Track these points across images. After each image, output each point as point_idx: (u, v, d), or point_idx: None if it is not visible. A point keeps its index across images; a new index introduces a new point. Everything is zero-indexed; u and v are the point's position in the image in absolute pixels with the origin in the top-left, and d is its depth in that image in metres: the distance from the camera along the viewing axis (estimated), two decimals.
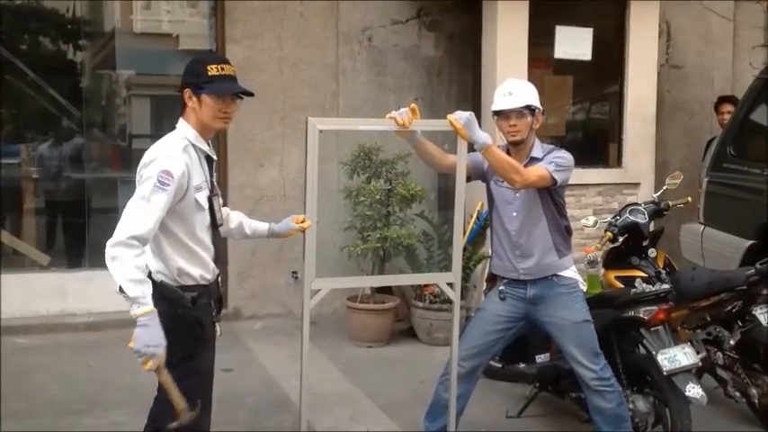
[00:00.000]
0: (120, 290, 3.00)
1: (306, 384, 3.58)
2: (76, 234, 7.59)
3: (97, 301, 7.09)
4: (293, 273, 7.41)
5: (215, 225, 3.39)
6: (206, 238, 3.34)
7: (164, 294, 3.21)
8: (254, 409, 5.37)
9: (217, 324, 3.43)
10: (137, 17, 8.22)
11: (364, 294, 6.97)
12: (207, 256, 3.35)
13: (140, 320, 2.98)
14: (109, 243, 3.02)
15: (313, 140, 3.45)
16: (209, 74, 3.24)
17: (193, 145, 3.27)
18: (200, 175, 3.28)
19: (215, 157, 3.41)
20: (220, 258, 3.48)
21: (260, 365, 6.29)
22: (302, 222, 3.60)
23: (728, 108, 7.63)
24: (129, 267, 2.98)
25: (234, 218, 3.72)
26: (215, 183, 3.43)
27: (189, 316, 3.25)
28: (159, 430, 3.31)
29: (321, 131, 3.46)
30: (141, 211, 3.06)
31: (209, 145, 3.36)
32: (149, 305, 2.99)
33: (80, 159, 7.84)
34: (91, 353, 6.45)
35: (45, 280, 7.39)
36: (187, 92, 3.25)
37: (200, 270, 3.31)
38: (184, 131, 3.28)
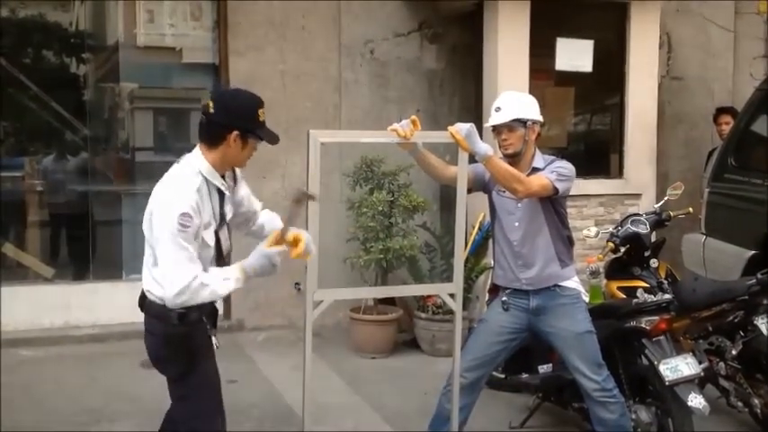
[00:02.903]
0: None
1: (309, 395, 3.59)
2: (80, 246, 7.59)
3: (101, 313, 7.12)
4: (296, 284, 7.42)
5: (220, 256, 3.40)
6: (208, 267, 3.33)
7: (153, 313, 3.28)
8: (258, 420, 5.38)
9: (213, 337, 3.44)
10: (140, 31, 8.25)
11: (367, 305, 6.98)
12: None
13: (249, 274, 3.26)
14: (173, 303, 3.12)
15: (314, 153, 3.46)
16: (260, 119, 3.27)
17: (206, 179, 3.25)
18: (208, 212, 3.26)
19: (227, 193, 3.39)
20: None
21: (264, 377, 6.30)
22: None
23: (727, 119, 7.65)
24: (208, 292, 3.16)
25: (260, 220, 3.77)
26: (225, 215, 3.41)
27: (179, 332, 3.26)
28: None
29: (323, 144, 3.48)
30: (174, 266, 3.11)
31: (224, 178, 3.34)
32: (234, 276, 3.22)
33: (84, 172, 7.86)
34: (95, 365, 6.46)
35: (49, 292, 7.41)
36: (235, 133, 3.21)
37: None
38: (199, 165, 3.24)
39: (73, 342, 7.06)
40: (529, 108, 4.18)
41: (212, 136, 3.24)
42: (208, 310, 3.43)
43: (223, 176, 3.34)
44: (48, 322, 7.27)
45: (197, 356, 3.32)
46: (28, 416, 5.38)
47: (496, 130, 4.17)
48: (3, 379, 5.89)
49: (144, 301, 3.34)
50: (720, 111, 7.95)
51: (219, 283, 3.18)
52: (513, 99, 4.22)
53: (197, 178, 3.21)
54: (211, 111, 3.23)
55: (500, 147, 4.19)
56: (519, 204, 4.15)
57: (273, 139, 3.32)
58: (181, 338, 3.28)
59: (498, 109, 4.15)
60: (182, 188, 3.16)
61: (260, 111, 3.27)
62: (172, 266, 3.10)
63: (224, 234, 3.40)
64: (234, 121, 3.22)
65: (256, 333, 7.49)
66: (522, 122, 4.12)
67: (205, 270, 3.23)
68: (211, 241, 3.28)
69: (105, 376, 6.20)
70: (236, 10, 7.53)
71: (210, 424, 3.39)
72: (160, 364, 3.37)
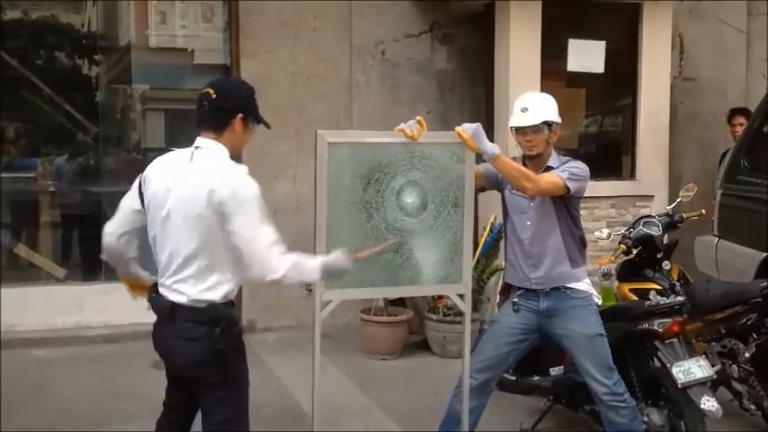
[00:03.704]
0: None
1: (319, 397, 3.59)
2: (92, 247, 7.56)
3: (113, 313, 7.13)
4: (306, 286, 7.41)
5: None
6: None
7: (214, 316, 3.22)
8: (268, 420, 5.37)
9: (244, 335, 3.46)
10: (152, 32, 8.28)
11: (377, 307, 6.98)
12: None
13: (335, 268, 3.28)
14: (278, 272, 3.11)
15: (323, 153, 3.47)
16: (256, 104, 3.37)
17: None
18: None
19: None
20: None
21: (274, 378, 6.30)
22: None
23: (741, 120, 7.61)
24: (308, 270, 3.20)
25: None
26: None
27: (237, 332, 3.29)
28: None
29: (330, 144, 3.49)
30: (275, 242, 3.14)
31: None
32: (319, 264, 3.24)
33: (95, 173, 7.89)
34: (107, 365, 6.47)
35: (61, 293, 7.44)
36: (240, 116, 3.28)
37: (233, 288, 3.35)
38: (224, 154, 3.29)
39: (85, 342, 7.08)
40: (554, 111, 4.18)
41: (218, 121, 3.29)
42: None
43: None
44: (60, 323, 7.29)
45: (241, 356, 3.36)
46: (40, 416, 5.39)
47: (521, 130, 4.15)
48: (15, 379, 5.92)
49: (178, 311, 3.26)
50: (735, 112, 7.91)
51: (311, 267, 3.21)
52: (540, 100, 4.22)
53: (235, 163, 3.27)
54: (214, 96, 3.28)
55: (523, 147, 4.17)
56: (531, 203, 4.14)
57: (267, 123, 3.43)
58: (231, 341, 3.27)
59: (525, 109, 4.13)
60: (240, 171, 3.21)
61: (255, 96, 3.39)
62: (270, 246, 3.13)
63: None
64: (238, 105, 3.30)
65: (267, 334, 7.50)
66: (548, 125, 4.12)
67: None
68: None
69: (117, 376, 6.21)
70: (248, 11, 7.55)
71: (247, 424, 3.44)
72: (203, 369, 3.28)
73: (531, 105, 4.14)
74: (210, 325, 3.21)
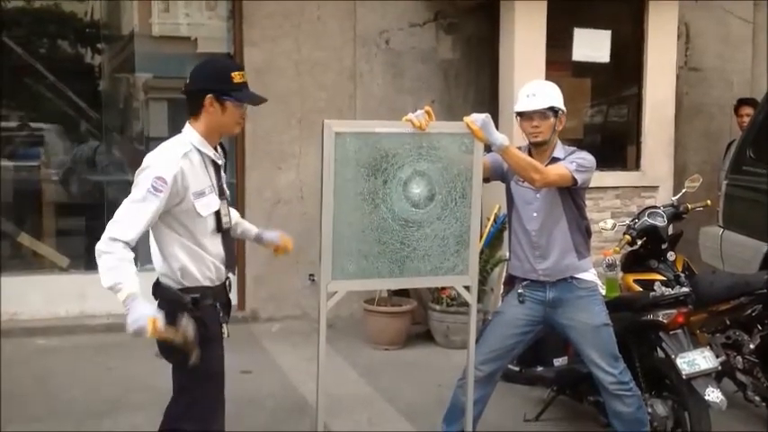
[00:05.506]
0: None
1: (323, 387, 3.58)
2: (95, 236, 7.55)
3: (116, 302, 6.97)
4: (310, 275, 7.42)
5: (221, 229, 3.39)
6: (210, 242, 3.34)
7: (165, 296, 3.30)
8: (272, 411, 5.38)
9: (224, 325, 3.45)
10: (155, 20, 8.26)
11: (381, 297, 6.98)
12: (213, 259, 3.36)
13: (125, 305, 3.07)
14: (99, 243, 3.10)
15: (329, 143, 3.45)
16: (235, 81, 3.29)
17: (199, 150, 3.29)
18: (202, 181, 3.28)
19: (220, 162, 3.42)
20: (230, 262, 3.50)
21: (278, 368, 6.31)
22: (284, 247, 3.83)
23: (748, 110, 7.58)
24: (107, 262, 3.08)
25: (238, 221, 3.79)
26: (224, 186, 3.45)
27: (191, 317, 3.26)
28: (177, 430, 3.35)
29: (337, 134, 3.47)
30: (132, 215, 3.12)
31: (216, 150, 3.37)
32: (126, 290, 3.06)
33: (98, 162, 7.88)
34: (110, 354, 6.48)
35: (64, 282, 7.45)
36: (209, 97, 3.25)
37: (205, 271, 3.33)
38: (190, 136, 3.30)
39: (88, 331, 7.09)
40: (560, 98, 4.17)
41: (191, 105, 3.31)
42: (224, 300, 3.45)
43: (215, 148, 3.37)
44: (63, 311, 7.31)
45: (204, 344, 3.29)
46: (43, 405, 5.40)
47: (526, 116, 4.13)
48: (18, 368, 5.94)
49: (158, 288, 3.36)
50: (741, 102, 7.87)
51: (108, 264, 3.09)
52: (547, 87, 4.22)
53: (185, 147, 3.25)
54: (187, 82, 3.33)
55: (528, 134, 4.15)
56: (537, 194, 4.13)
57: (255, 99, 3.37)
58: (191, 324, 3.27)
59: (533, 95, 4.12)
60: (165, 154, 3.22)
61: (234, 73, 3.31)
62: (124, 216, 3.11)
63: (224, 209, 3.41)
64: (206, 85, 3.28)
65: (271, 324, 7.50)
66: (555, 111, 4.11)
67: (204, 245, 3.30)
68: (204, 211, 3.29)
69: (120, 366, 6.22)
70: (251, 0, 7.52)
71: (208, 418, 3.39)
72: (166, 351, 3.35)
73: (538, 91, 4.14)
74: (173, 304, 3.25)
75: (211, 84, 3.28)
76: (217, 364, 3.42)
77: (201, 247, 3.31)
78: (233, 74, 3.29)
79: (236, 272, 7.55)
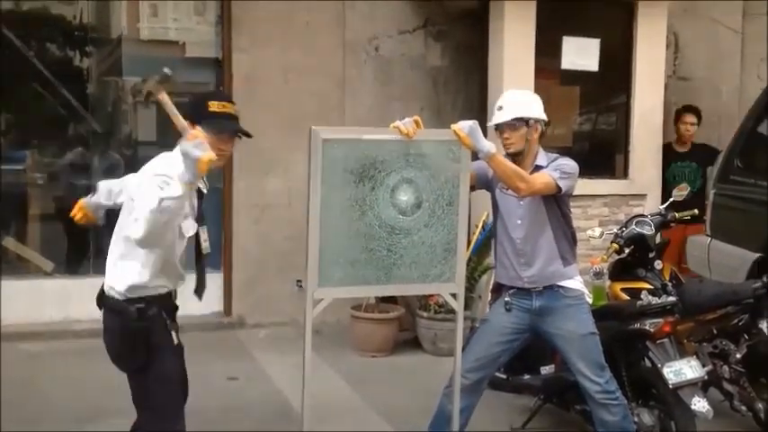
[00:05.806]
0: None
1: (309, 394, 3.56)
2: (80, 240, 7.57)
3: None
4: (298, 281, 7.39)
5: (199, 254, 3.43)
6: (178, 261, 3.38)
7: (112, 308, 3.35)
8: (258, 418, 5.35)
9: (173, 333, 3.44)
10: (143, 24, 8.23)
11: (369, 304, 6.96)
12: (175, 276, 3.41)
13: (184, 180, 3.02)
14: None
15: (317, 150, 3.44)
16: (210, 110, 3.32)
17: None
18: (187, 204, 3.27)
19: (204, 191, 3.43)
20: (200, 289, 3.53)
21: (264, 374, 6.28)
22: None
23: (691, 119, 7.60)
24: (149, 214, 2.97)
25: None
26: (203, 214, 3.45)
27: (136, 327, 3.31)
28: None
29: (325, 141, 3.45)
30: (153, 194, 2.99)
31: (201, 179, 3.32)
32: (175, 178, 3.02)
33: (85, 166, 7.83)
34: (95, 359, 6.37)
35: (49, 286, 7.40)
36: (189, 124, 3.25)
37: (162, 282, 3.35)
38: (177, 161, 3.20)
39: (73, 336, 7.01)
40: (531, 106, 4.15)
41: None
42: (169, 306, 3.46)
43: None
44: (47, 316, 7.25)
45: (155, 353, 3.34)
46: (28, 410, 5.35)
47: (499, 128, 4.15)
48: (2, 373, 5.88)
49: (102, 298, 3.39)
50: (685, 109, 7.79)
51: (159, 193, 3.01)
52: (515, 98, 4.21)
53: (176, 169, 3.18)
54: None
55: (503, 146, 4.16)
56: (522, 202, 4.12)
57: (221, 128, 3.32)
58: (139, 334, 3.32)
59: (500, 108, 4.15)
60: (163, 164, 3.23)
61: (211, 102, 3.33)
62: (146, 197, 3.01)
63: (203, 234, 3.42)
64: (187, 111, 3.28)
65: (257, 330, 7.47)
66: (524, 121, 4.10)
67: (175, 261, 3.33)
68: (187, 232, 3.31)
69: (105, 371, 6.11)
70: (240, 5, 7.50)
71: (169, 423, 3.42)
72: (120, 361, 3.44)
73: (506, 103, 4.15)
74: (119, 315, 3.34)
75: (189, 110, 3.30)
76: (170, 370, 3.43)
77: (171, 264, 3.34)
78: (210, 102, 3.33)
79: (222, 278, 7.54)
